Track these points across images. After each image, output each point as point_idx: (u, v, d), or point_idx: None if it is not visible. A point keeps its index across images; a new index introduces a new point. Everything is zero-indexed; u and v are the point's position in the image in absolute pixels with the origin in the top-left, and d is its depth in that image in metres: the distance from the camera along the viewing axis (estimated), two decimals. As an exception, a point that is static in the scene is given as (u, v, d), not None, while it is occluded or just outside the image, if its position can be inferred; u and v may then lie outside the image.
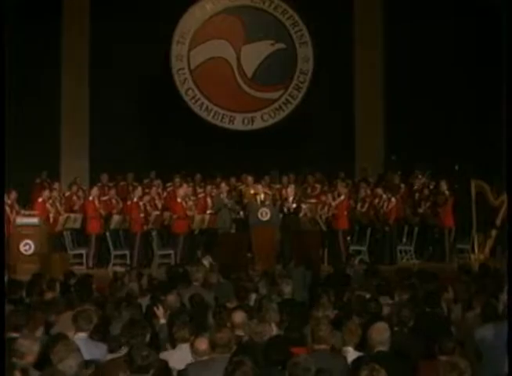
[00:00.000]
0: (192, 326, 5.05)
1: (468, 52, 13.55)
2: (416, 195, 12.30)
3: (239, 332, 5.05)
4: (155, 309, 5.64)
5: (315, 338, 4.70)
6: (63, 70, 13.95)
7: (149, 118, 14.10)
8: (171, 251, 11.25)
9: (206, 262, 10.84)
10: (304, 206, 11.46)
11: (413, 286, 6.81)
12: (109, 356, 4.81)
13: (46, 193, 11.17)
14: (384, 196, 11.59)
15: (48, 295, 6.52)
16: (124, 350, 4.64)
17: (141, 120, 14.03)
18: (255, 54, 14.85)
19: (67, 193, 12.04)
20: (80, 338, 4.85)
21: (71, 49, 13.96)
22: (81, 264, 10.99)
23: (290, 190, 11.46)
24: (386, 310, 5.87)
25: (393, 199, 11.52)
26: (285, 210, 11.19)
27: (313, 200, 12.09)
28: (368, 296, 6.38)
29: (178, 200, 11.32)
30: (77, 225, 11.27)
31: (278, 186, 12.77)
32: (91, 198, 11.30)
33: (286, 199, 11.37)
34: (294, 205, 11.23)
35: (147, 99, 14.09)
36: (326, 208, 11.60)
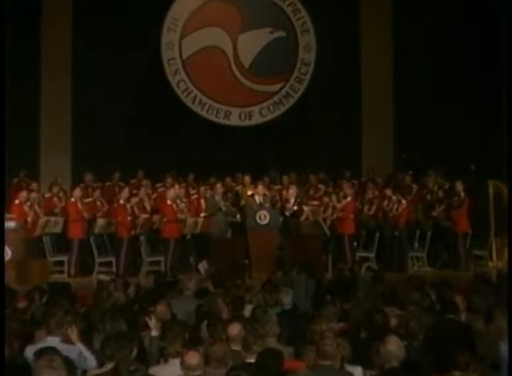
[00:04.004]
0: (185, 339, 5.06)
1: (487, 41, 13.54)
2: (429, 196, 12.29)
3: (235, 346, 5.04)
4: (147, 319, 5.64)
5: (320, 352, 4.68)
6: (43, 60, 13.92)
7: (138, 113, 14.06)
8: (161, 258, 11.24)
9: (202, 268, 10.91)
10: (306, 208, 11.47)
11: (425, 296, 6.81)
12: (94, 372, 4.81)
13: (24, 194, 11.14)
14: (394, 197, 11.59)
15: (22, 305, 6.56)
16: (109, 365, 4.64)
17: (128, 114, 14.00)
18: (253, 43, 14.85)
19: (47, 195, 12.01)
20: (51, 341, 4.89)
21: (53, 36, 13.93)
22: (62, 272, 10.97)
23: (292, 191, 11.45)
24: (394, 322, 5.87)
25: (403, 201, 11.53)
26: (286, 213, 11.19)
27: (316, 202, 12.09)
28: (374, 307, 6.38)
29: (168, 202, 11.30)
30: (58, 229, 11.24)
31: (278, 186, 12.77)
32: (73, 200, 11.26)
33: (287, 201, 11.36)
34: (296, 208, 11.23)
35: (135, 91, 14.07)
36: (330, 211, 11.61)
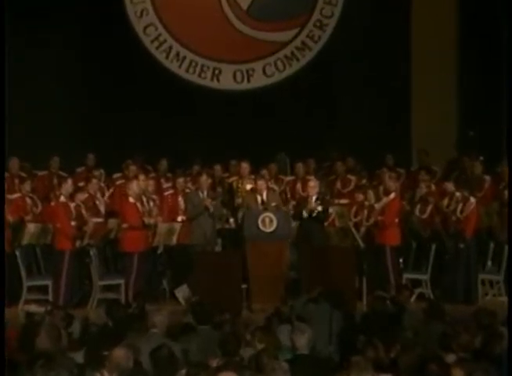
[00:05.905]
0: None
1: None
2: (508, 193, 12.27)
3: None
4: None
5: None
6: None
7: (88, 71, 14.08)
8: (121, 281, 11.24)
9: (180, 295, 10.91)
10: (330, 209, 11.53)
11: (499, 336, 6.79)
12: None
13: None
14: (458, 194, 11.56)
15: None
16: None
17: (73, 73, 14.00)
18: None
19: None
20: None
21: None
22: (-25, 300, 10.98)
23: (314, 185, 11.45)
24: (457, 374, 5.85)
25: (472, 199, 11.50)
26: (304, 215, 11.20)
27: (344, 201, 12.23)
28: (429, 352, 6.36)
29: (130, 199, 11.29)
30: (-30, 238, 11.28)
31: (289, 178, 12.87)
32: (-8, 196, 11.28)
33: (308, 198, 11.35)
34: (320, 208, 11.21)
35: (85, 41, 14.10)
36: (365, 213, 11.61)
